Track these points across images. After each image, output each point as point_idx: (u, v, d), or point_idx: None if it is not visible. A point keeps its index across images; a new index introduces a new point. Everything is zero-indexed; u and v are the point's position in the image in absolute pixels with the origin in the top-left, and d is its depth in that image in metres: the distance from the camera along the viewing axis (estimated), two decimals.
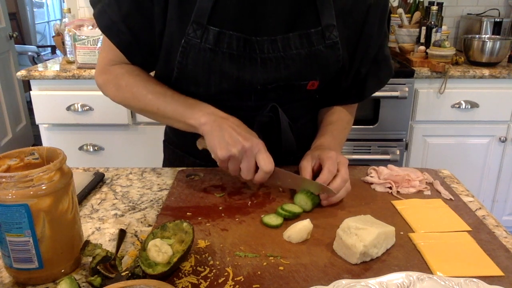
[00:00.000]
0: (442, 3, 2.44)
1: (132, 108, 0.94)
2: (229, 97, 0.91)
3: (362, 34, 0.92)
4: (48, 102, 2.11)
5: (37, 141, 4.01)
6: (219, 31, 0.82)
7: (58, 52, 2.77)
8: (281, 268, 0.64)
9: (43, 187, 0.57)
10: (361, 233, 0.65)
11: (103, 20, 0.87)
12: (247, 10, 0.83)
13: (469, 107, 2.15)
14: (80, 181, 0.89)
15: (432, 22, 2.26)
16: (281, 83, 0.88)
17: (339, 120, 1.02)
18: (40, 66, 2.23)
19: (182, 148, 1.05)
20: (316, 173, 0.84)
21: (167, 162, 1.11)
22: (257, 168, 0.80)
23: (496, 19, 2.49)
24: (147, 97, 0.87)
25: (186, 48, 0.83)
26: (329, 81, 0.94)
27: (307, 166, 0.85)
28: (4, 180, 0.55)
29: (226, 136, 0.79)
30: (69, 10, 2.42)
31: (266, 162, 0.79)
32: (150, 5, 0.83)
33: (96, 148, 2.22)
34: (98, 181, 0.92)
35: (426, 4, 2.44)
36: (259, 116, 0.93)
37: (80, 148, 2.22)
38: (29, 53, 5.09)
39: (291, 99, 0.95)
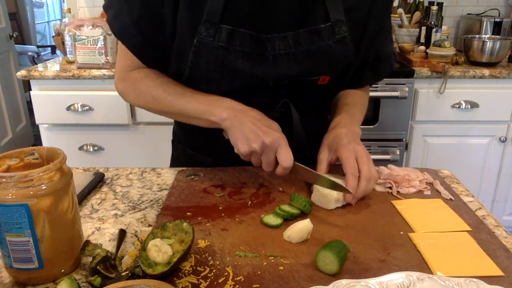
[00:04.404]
0: (442, 3, 2.43)
1: (153, 111, 0.95)
2: (241, 94, 0.91)
3: (365, 30, 0.93)
4: (48, 102, 2.11)
5: (37, 141, 4.01)
6: (231, 29, 0.83)
7: (58, 52, 2.77)
8: (281, 268, 0.64)
9: (43, 187, 0.57)
10: None
11: (116, 25, 0.89)
12: (257, 8, 0.84)
13: (469, 107, 2.15)
14: (80, 181, 0.89)
15: (432, 22, 2.26)
16: (293, 79, 0.89)
17: (354, 96, 1.03)
18: (40, 66, 2.24)
19: (192, 147, 1.05)
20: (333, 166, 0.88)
21: (176, 161, 1.11)
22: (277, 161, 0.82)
23: (496, 19, 2.49)
24: (167, 99, 0.89)
25: (199, 48, 0.84)
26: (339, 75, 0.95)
27: (323, 160, 0.89)
28: (4, 180, 0.55)
29: (246, 131, 0.81)
30: (69, 10, 2.42)
31: (285, 157, 0.81)
32: (160, 6, 0.84)
33: (96, 148, 2.22)
34: (98, 181, 0.92)
35: (426, 4, 2.44)
36: (270, 112, 0.93)
37: (80, 148, 2.22)
38: (29, 53, 5.10)
39: (302, 95, 0.96)
